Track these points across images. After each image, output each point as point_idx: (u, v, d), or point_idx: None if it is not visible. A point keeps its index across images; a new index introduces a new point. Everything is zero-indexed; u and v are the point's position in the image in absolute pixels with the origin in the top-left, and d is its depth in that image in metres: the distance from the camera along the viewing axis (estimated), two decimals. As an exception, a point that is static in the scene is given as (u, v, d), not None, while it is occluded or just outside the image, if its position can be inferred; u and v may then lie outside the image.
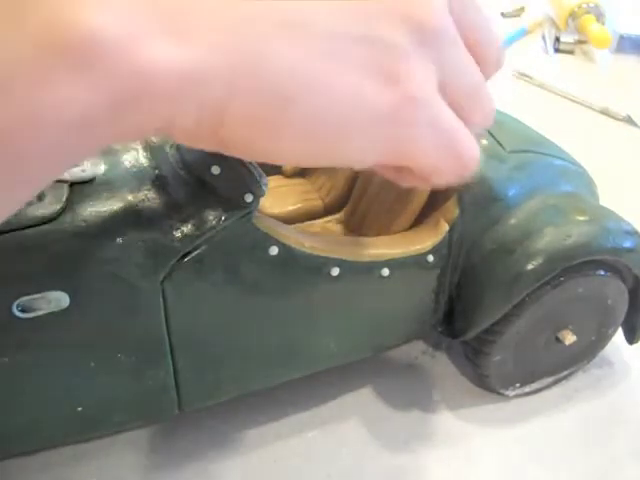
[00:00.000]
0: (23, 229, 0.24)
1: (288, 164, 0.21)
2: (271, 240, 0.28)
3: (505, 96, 0.68)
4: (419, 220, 0.33)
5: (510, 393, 0.37)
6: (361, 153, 0.20)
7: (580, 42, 0.80)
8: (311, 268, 0.29)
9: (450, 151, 0.21)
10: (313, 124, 0.19)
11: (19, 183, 0.16)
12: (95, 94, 0.15)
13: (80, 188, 0.26)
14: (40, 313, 0.24)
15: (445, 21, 0.21)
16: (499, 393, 0.37)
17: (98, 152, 0.17)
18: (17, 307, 0.24)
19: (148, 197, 0.26)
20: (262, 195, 0.27)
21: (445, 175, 0.23)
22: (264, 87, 0.17)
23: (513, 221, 0.33)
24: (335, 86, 0.18)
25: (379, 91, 0.19)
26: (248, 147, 0.19)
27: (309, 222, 0.36)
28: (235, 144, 0.19)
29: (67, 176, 0.26)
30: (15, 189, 0.16)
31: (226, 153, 0.19)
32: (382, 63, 0.19)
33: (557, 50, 0.80)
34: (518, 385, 0.37)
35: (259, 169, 0.27)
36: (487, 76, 0.23)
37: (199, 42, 0.16)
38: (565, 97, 0.70)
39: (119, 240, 0.25)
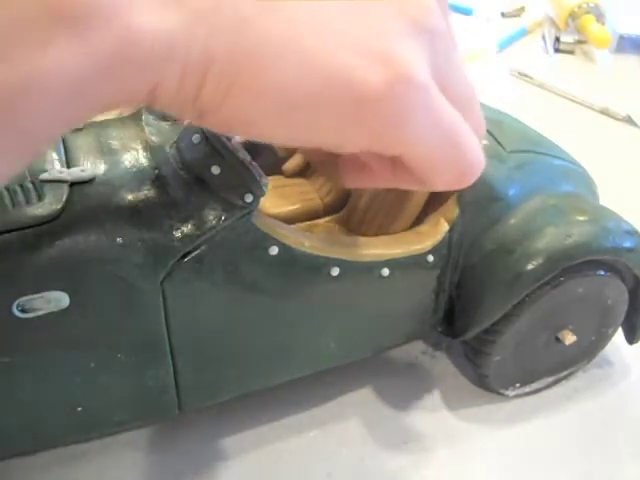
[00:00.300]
0: (23, 229, 0.24)
1: (271, 142, 0.21)
2: (271, 240, 0.28)
3: (505, 96, 0.68)
4: (419, 220, 0.33)
5: (510, 393, 0.37)
6: (343, 133, 0.20)
7: (580, 42, 0.80)
8: (311, 268, 0.29)
9: (450, 145, 0.21)
10: (289, 95, 0.19)
11: (20, 144, 0.17)
12: (90, 56, 0.16)
13: (80, 188, 0.26)
14: (40, 313, 0.24)
15: (441, 24, 0.20)
16: (499, 393, 0.37)
17: (92, 117, 0.18)
18: (17, 307, 0.24)
19: (148, 197, 0.26)
20: (262, 195, 0.27)
21: (445, 174, 0.22)
22: (241, 52, 0.18)
23: (513, 221, 0.33)
24: (316, 58, 0.18)
25: (367, 69, 0.19)
26: (224, 117, 0.19)
27: (309, 222, 0.36)
28: (212, 113, 0.19)
29: (67, 176, 0.26)
30: (16, 150, 0.17)
31: (204, 125, 0.20)
32: (372, 42, 0.19)
33: (557, 50, 0.80)
34: (518, 385, 0.37)
35: (259, 169, 0.27)
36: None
37: (184, 8, 0.17)
38: (565, 97, 0.70)
39: (119, 240, 0.25)
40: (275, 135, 0.20)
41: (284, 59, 0.18)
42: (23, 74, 0.15)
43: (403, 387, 0.38)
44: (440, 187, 0.23)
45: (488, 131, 0.35)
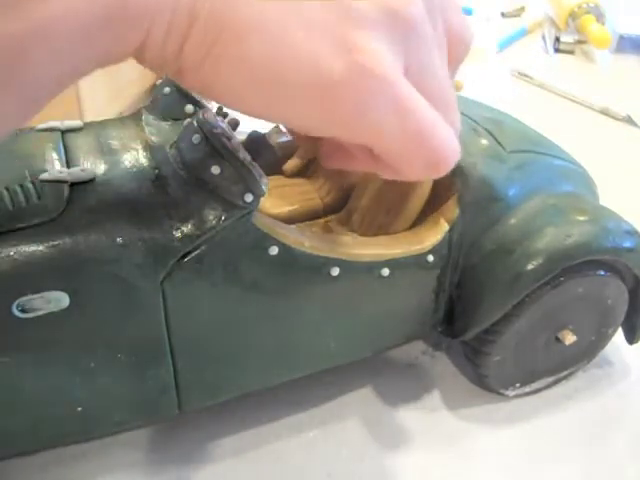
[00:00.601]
0: (23, 229, 0.24)
1: (243, 113, 0.22)
2: (271, 240, 0.28)
3: (505, 96, 0.68)
4: (419, 220, 0.33)
5: (510, 393, 0.37)
6: (309, 117, 0.21)
7: (580, 42, 0.80)
8: (311, 268, 0.29)
9: (419, 138, 0.21)
10: (261, 69, 0.19)
11: (23, 97, 0.18)
12: (93, 5, 0.17)
13: (80, 188, 0.26)
14: (40, 313, 0.24)
15: (420, 15, 0.21)
16: (499, 393, 0.37)
17: (88, 73, 0.19)
18: (17, 307, 0.24)
19: (148, 197, 0.26)
20: (262, 195, 0.27)
21: (416, 165, 0.22)
22: (224, 15, 0.19)
23: (513, 221, 0.33)
24: (287, 36, 0.19)
25: (332, 56, 0.19)
26: (203, 78, 0.20)
27: (309, 222, 0.36)
28: (193, 72, 0.20)
29: (67, 176, 0.26)
30: (18, 104, 0.18)
31: (182, 83, 0.21)
32: (339, 29, 0.19)
33: (557, 50, 0.80)
34: (518, 385, 0.37)
35: (259, 169, 0.27)
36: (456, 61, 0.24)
37: None
38: (565, 97, 0.70)
39: (119, 240, 0.25)
40: (246, 107, 0.21)
41: (261, 34, 0.19)
42: (33, 20, 0.16)
43: (403, 387, 0.38)
44: (412, 176, 0.23)
45: (488, 131, 0.35)
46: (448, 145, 0.22)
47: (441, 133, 0.22)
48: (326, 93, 0.20)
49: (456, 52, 0.24)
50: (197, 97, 0.31)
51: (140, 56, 0.20)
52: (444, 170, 0.22)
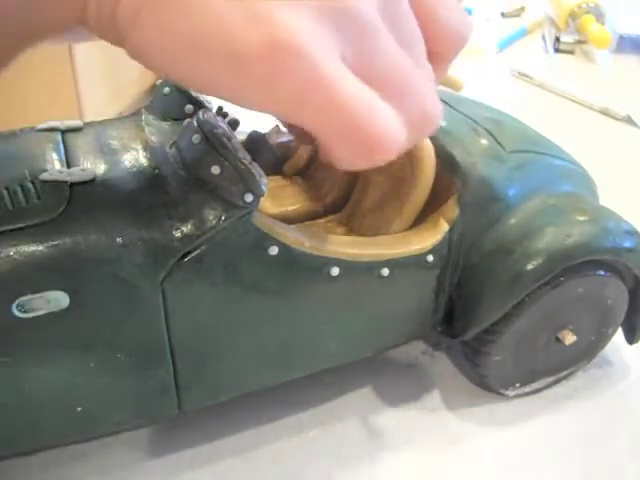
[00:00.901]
0: (23, 229, 0.24)
1: (176, 81, 0.22)
2: (271, 240, 0.28)
3: (505, 96, 0.68)
4: (419, 220, 0.33)
5: (510, 393, 0.37)
6: (232, 89, 0.21)
7: (580, 42, 0.80)
8: (311, 268, 0.29)
9: (344, 121, 0.20)
10: (185, 37, 0.20)
11: None
12: None
13: (80, 188, 0.26)
14: (40, 313, 0.25)
15: (364, 3, 0.21)
16: (499, 393, 0.37)
17: (52, 33, 0.21)
18: (17, 307, 0.24)
19: (148, 197, 0.26)
20: (262, 195, 0.27)
21: (347, 149, 0.21)
22: None
23: (513, 221, 0.33)
24: (207, 6, 0.20)
25: (248, 28, 0.19)
26: (135, 43, 0.21)
27: (309, 222, 0.36)
28: (127, 38, 0.21)
29: (67, 176, 0.26)
30: None
31: (126, 52, 0.21)
32: (261, 3, 0.20)
33: (557, 50, 0.80)
34: (518, 385, 0.37)
35: (259, 169, 0.27)
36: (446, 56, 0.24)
37: None
38: (565, 97, 0.70)
39: (119, 240, 0.25)
40: (172, 74, 0.22)
41: (181, 3, 0.20)
42: None
43: (403, 387, 0.38)
44: (345, 162, 0.22)
45: (488, 131, 0.35)
46: (386, 131, 0.21)
47: (378, 118, 0.21)
48: (240, 64, 0.20)
49: (444, 47, 0.24)
50: (197, 97, 0.31)
51: (86, 23, 0.21)
52: (381, 157, 0.21)
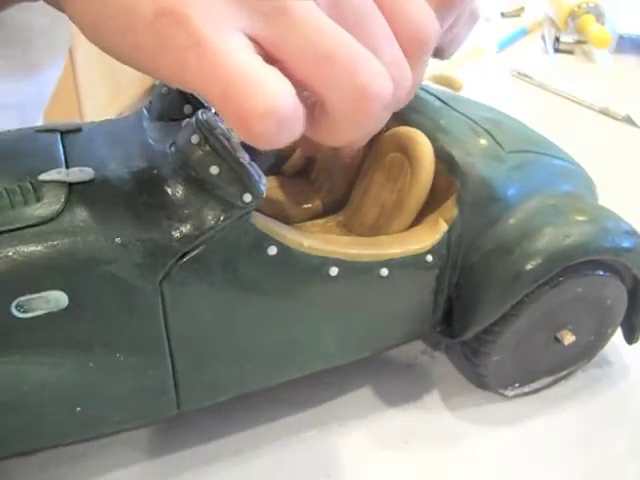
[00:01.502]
0: (22, 229, 0.24)
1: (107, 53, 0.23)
2: (270, 240, 0.28)
3: (505, 96, 0.68)
4: (418, 220, 0.33)
5: (509, 393, 0.37)
6: (133, 56, 0.22)
7: (580, 42, 0.80)
8: (310, 268, 0.29)
9: (219, 88, 0.20)
10: (97, 8, 0.22)
11: None
12: None
13: (79, 188, 0.26)
14: (39, 313, 0.25)
15: None
16: (498, 393, 0.37)
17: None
18: (16, 307, 0.24)
19: (147, 197, 0.26)
20: (261, 195, 0.27)
21: (224, 118, 0.21)
22: None
23: (512, 221, 0.33)
24: None
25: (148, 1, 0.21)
26: (69, 12, 0.23)
27: (308, 222, 0.36)
28: (65, 6, 0.22)
29: (66, 176, 0.26)
30: None
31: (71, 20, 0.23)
32: None
33: (557, 50, 0.80)
34: (517, 385, 0.37)
35: (258, 169, 0.27)
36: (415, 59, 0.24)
37: None
38: (565, 97, 0.70)
39: (118, 240, 0.25)
40: (100, 46, 0.23)
41: None
42: None
43: (402, 387, 0.38)
44: (241, 135, 0.22)
45: (487, 131, 0.35)
46: (266, 104, 0.20)
47: (258, 89, 0.20)
48: (135, 33, 0.21)
49: (406, 45, 0.24)
50: (196, 97, 0.31)
51: None
52: (260, 131, 0.20)
